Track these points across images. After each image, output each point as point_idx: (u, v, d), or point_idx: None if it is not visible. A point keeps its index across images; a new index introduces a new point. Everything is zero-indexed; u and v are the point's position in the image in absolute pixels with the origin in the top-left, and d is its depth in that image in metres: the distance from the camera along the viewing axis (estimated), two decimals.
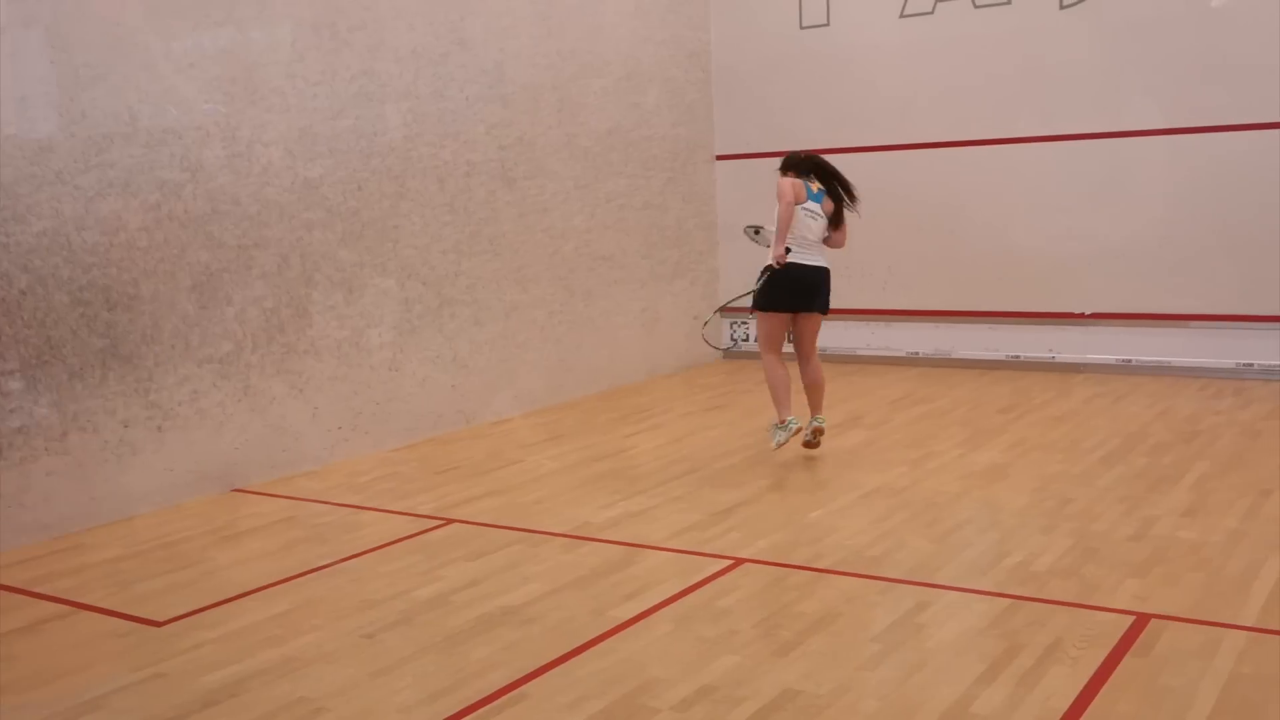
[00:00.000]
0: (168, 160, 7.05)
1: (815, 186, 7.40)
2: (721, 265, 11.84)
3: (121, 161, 6.81)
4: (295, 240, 7.79)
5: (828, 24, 11.08)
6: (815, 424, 7.49)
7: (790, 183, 7.29)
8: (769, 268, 7.24)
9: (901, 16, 10.69)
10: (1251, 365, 9.55)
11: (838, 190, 7.43)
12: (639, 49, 10.71)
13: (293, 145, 7.75)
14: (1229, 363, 9.62)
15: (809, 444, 7.52)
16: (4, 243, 6.31)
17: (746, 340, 11.85)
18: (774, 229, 7.26)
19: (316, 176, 7.90)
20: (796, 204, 7.27)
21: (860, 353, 11.23)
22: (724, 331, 11.92)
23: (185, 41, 7.13)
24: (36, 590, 5.67)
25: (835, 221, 7.47)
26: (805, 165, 7.45)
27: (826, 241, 7.46)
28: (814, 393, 7.53)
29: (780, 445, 7.32)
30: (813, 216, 7.33)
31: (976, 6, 10.33)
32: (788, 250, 7.19)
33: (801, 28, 11.21)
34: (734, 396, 9.93)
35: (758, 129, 11.52)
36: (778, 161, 7.60)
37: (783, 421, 7.32)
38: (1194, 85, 9.54)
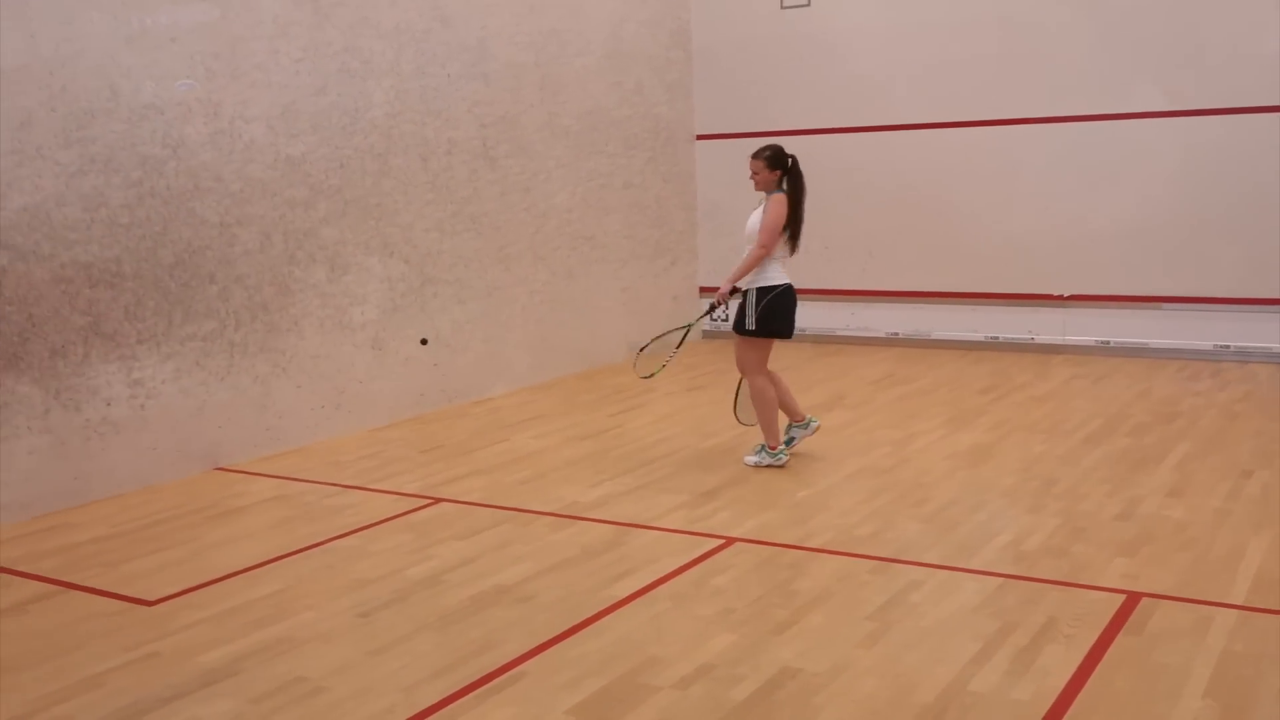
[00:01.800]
0: (149, 136, 6.96)
1: None
2: (701, 245, 11.84)
3: (103, 137, 6.72)
4: (278, 218, 7.72)
5: (808, 4, 11.06)
6: (815, 424, 7.17)
7: (784, 205, 6.70)
8: (758, 295, 6.77)
9: None
10: (1228, 347, 9.65)
11: (801, 214, 6.81)
12: (620, 28, 10.66)
13: (275, 122, 7.67)
14: (1206, 345, 9.72)
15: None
16: None
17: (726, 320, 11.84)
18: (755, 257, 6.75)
19: (299, 154, 7.83)
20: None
21: (839, 333, 11.27)
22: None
23: (165, 15, 7.03)
24: (22, 570, 5.61)
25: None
26: (788, 167, 6.79)
27: None
28: (789, 397, 7.14)
29: (777, 463, 6.96)
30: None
31: None
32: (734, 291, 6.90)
33: (783, 8, 11.18)
34: (715, 376, 9.94)
35: (738, 109, 11.50)
36: (760, 142, 7.22)
37: (775, 448, 6.94)
38: (1174, 70, 9.60)
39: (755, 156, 6.84)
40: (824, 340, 11.12)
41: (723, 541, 5.66)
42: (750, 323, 6.82)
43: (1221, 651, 4.24)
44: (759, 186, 6.85)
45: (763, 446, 6.98)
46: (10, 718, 4.10)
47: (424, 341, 4.39)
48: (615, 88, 10.62)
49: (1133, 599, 4.76)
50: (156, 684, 4.32)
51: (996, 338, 10.60)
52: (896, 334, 11.07)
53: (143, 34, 6.91)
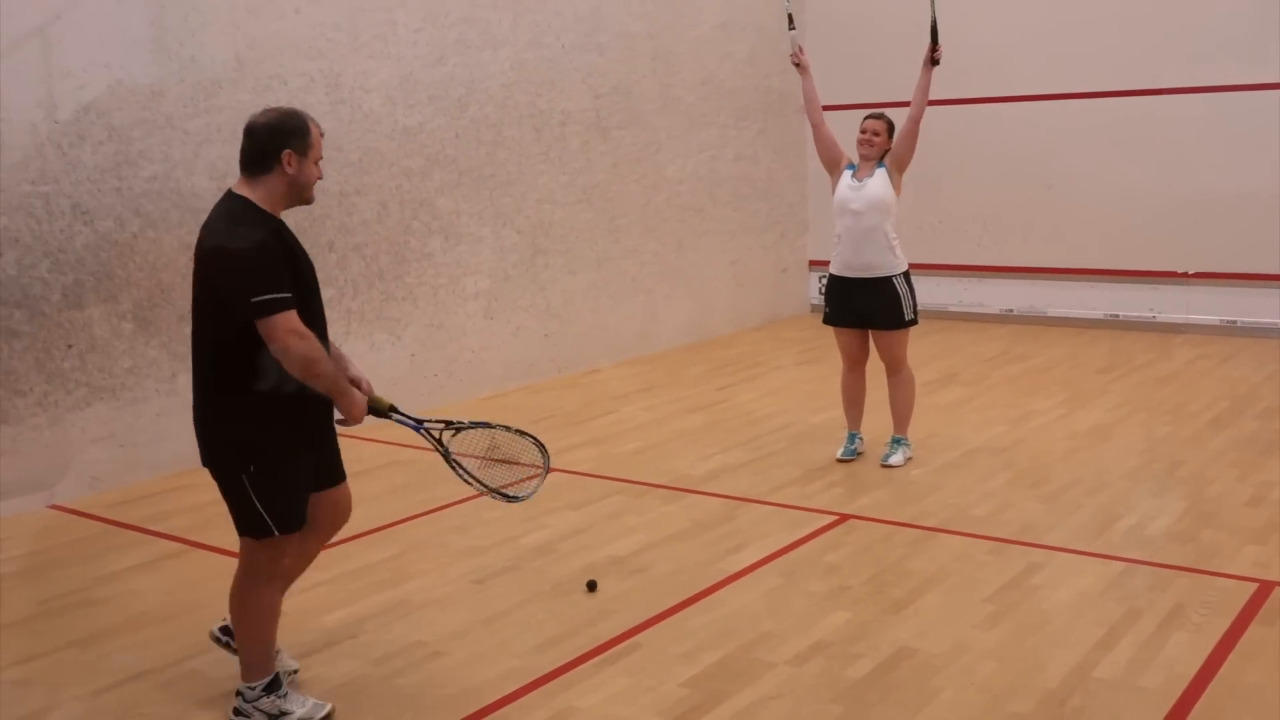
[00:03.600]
0: (273, 106, 7.07)
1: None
2: (812, 218, 11.70)
3: (229, 106, 6.86)
4: (394, 188, 7.81)
5: None
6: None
7: None
8: (908, 280, 6.42)
9: None
10: None
11: None
12: None
13: (393, 92, 7.76)
14: None
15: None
16: (117, 186, 6.40)
17: None
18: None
19: (416, 124, 7.91)
20: None
21: (951, 309, 11.08)
22: (811, 285, 11.79)
23: None
24: (153, 528, 5.80)
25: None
26: None
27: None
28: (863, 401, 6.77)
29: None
30: None
31: None
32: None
33: None
34: (823, 351, 9.82)
35: (852, 79, 11.29)
36: (867, 112, 6.80)
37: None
38: None
39: (878, 118, 6.39)
40: (935, 316, 10.92)
41: (836, 518, 5.62)
42: (911, 312, 6.36)
43: None
44: (872, 152, 6.32)
45: (900, 440, 6.51)
46: (146, 670, 4.25)
47: (592, 587, 4.49)
48: (727, 59, 10.54)
49: (1265, 588, 4.61)
50: (282, 643, 4.40)
51: (1116, 316, 10.32)
52: (1011, 310, 10.84)
53: (267, 5, 7.02)
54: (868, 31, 11.21)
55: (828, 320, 6.59)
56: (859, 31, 11.25)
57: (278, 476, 3.67)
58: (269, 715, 3.79)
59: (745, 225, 10.99)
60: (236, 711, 3.83)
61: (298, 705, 3.82)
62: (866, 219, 6.27)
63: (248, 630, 3.83)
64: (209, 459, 3.74)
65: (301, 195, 3.75)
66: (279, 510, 3.70)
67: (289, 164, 3.65)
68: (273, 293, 3.49)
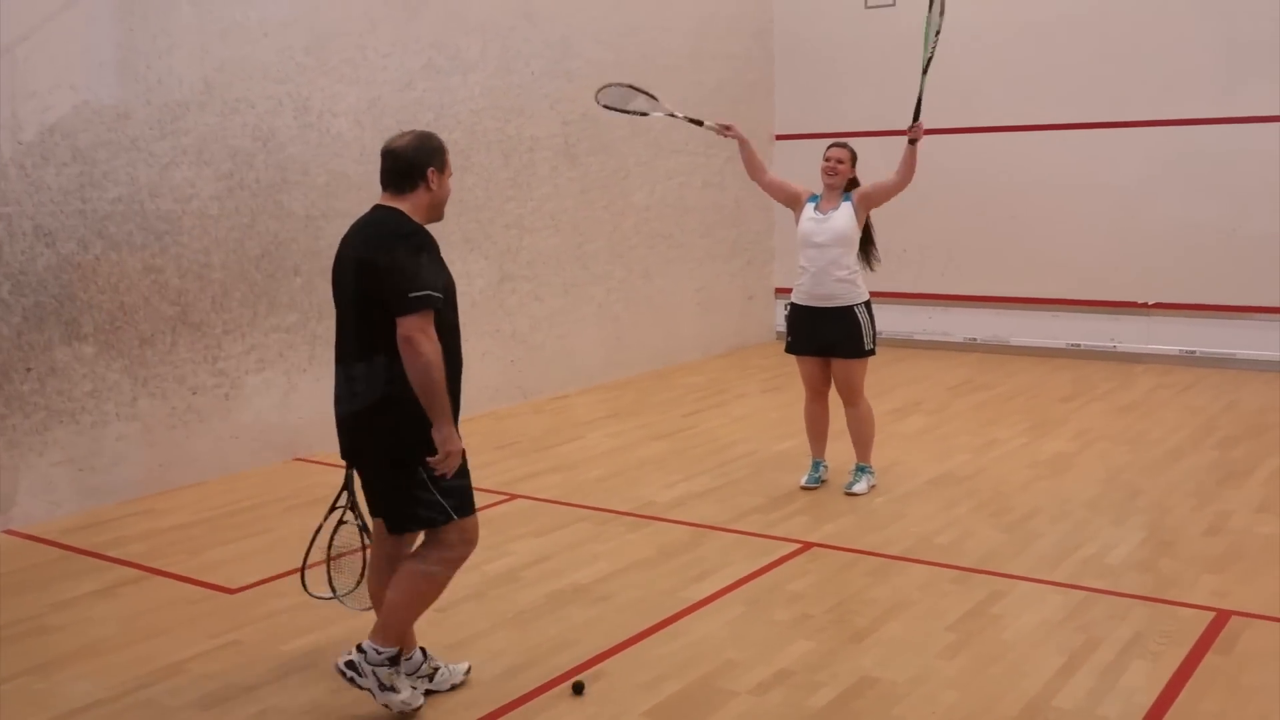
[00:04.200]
0: (240, 129, 7.07)
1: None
2: (778, 245, 11.76)
3: (195, 129, 6.84)
4: (361, 211, 7.76)
5: (894, 5, 10.94)
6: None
7: None
8: (869, 310, 6.45)
9: None
10: None
11: None
12: (704, 26, 10.63)
13: (362, 116, 7.75)
14: None
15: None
16: (80, 209, 6.35)
17: None
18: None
19: None
20: None
21: (916, 338, 11.16)
22: (778, 313, 11.84)
23: (260, 10, 7.13)
24: (110, 554, 5.73)
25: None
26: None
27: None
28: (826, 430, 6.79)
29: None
30: None
31: None
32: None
33: (867, 8, 11.09)
34: (789, 379, 9.83)
35: (819, 110, 11.41)
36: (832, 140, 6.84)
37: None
38: (1270, 73, 9.37)
39: (842, 146, 6.44)
40: (900, 344, 11.00)
41: (799, 546, 5.63)
42: (871, 343, 6.40)
43: None
44: (836, 181, 6.36)
45: (864, 468, 6.55)
46: (97, 700, 4.18)
47: (578, 689, 4.32)
48: (697, 86, 10.59)
49: (1222, 617, 4.65)
50: (239, 672, 4.38)
51: (1077, 345, 10.42)
52: (974, 339, 10.93)
53: (236, 28, 7.01)
54: (831, 64, 11.32)
55: (790, 349, 6.61)
56: (823, 63, 11.35)
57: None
58: (380, 683, 3.87)
59: (712, 253, 11.03)
60: (350, 665, 3.89)
61: (406, 688, 3.94)
62: (830, 252, 6.31)
63: (409, 600, 3.93)
64: (381, 455, 3.86)
65: (439, 210, 3.97)
66: (456, 495, 3.88)
67: (432, 180, 3.88)
68: (427, 290, 3.67)
